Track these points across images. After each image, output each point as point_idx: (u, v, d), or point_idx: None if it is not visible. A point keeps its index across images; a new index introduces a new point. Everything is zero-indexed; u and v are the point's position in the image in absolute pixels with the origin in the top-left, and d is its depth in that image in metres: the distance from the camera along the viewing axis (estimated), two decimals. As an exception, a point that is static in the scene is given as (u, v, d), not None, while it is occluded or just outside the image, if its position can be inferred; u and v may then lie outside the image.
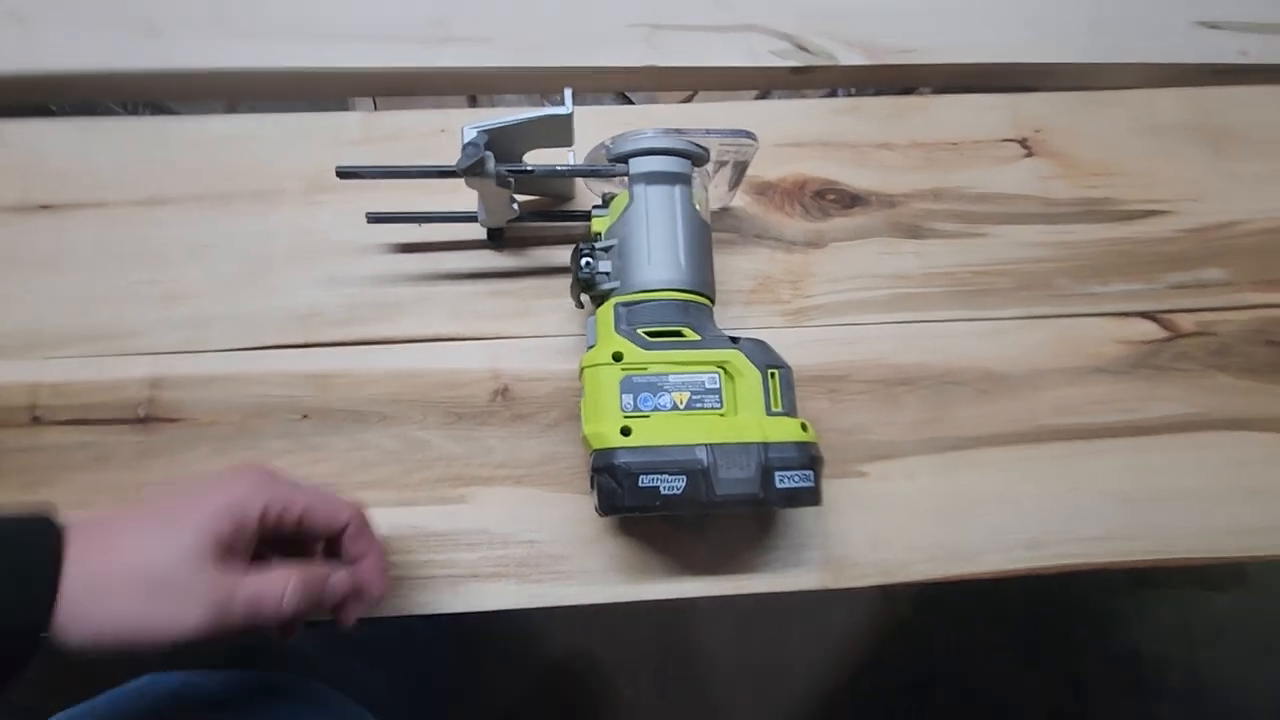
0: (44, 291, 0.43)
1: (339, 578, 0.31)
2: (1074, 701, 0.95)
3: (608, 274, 0.38)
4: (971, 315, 0.45)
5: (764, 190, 0.47)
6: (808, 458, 0.34)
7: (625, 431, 0.34)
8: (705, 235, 0.39)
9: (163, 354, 0.42)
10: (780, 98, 0.57)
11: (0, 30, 0.47)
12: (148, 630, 0.27)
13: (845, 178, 0.47)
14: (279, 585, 0.29)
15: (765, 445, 0.34)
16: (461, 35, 0.48)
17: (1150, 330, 0.46)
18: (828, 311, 0.45)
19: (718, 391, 0.35)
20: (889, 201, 0.47)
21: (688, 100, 0.66)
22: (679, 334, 0.36)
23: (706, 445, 0.33)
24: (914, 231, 0.47)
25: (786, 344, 0.44)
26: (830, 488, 0.41)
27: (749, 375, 0.35)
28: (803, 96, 0.55)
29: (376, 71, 0.48)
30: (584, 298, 0.40)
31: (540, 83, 0.49)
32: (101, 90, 0.47)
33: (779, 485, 0.33)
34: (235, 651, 0.42)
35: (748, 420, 0.35)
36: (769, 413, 0.35)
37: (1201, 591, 0.63)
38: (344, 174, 0.38)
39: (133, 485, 0.40)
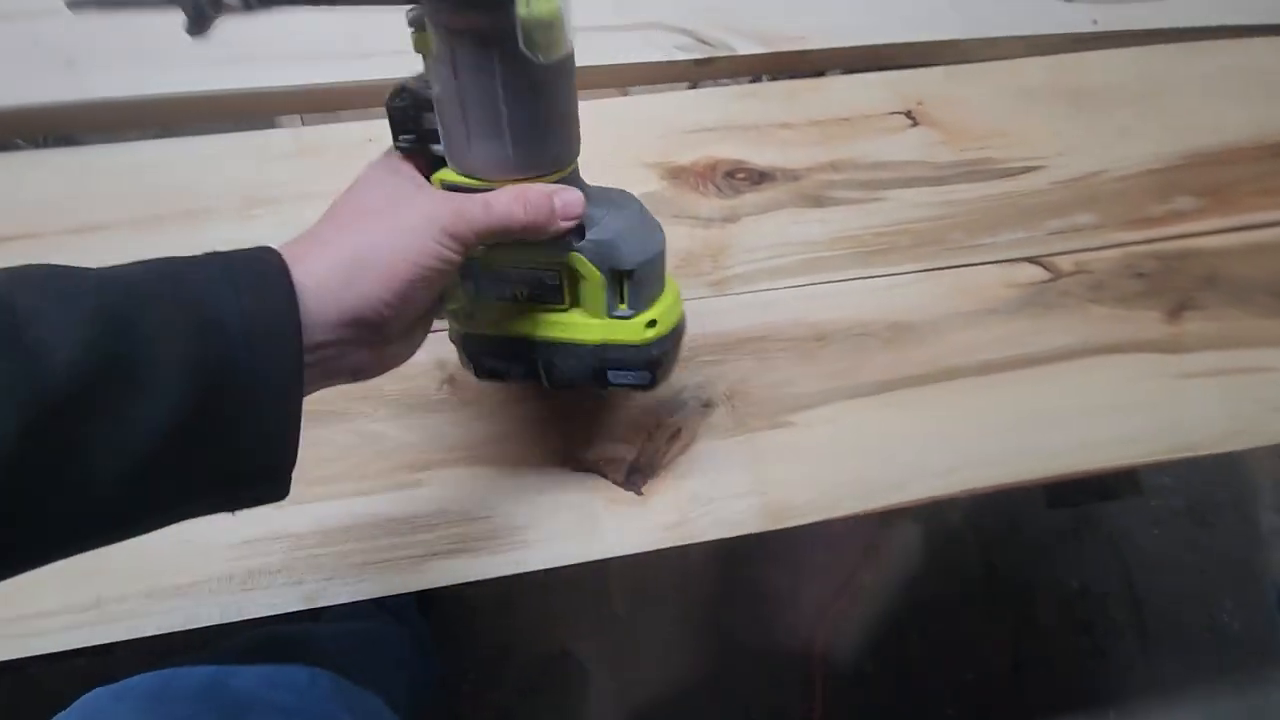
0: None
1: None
2: (1035, 647, 1.01)
3: (434, 132, 0.31)
4: (876, 273, 0.50)
5: (679, 174, 0.51)
6: (644, 360, 0.35)
7: (469, 315, 0.36)
8: (550, 98, 0.30)
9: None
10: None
11: (-87, 74, 0.47)
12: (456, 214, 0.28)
13: (752, 157, 0.51)
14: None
15: (603, 346, 0.35)
16: (377, 49, 0.50)
17: (1035, 273, 0.51)
18: (747, 280, 0.49)
19: (558, 288, 0.35)
20: (793, 175, 0.51)
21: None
22: None
23: (544, 341, 0.35)
24: (818, 201, 0.51)
25: (713, 311, 0.48)
26: (762, 438, 0.45)
27: (590, 277, 0.34)
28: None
29: (299, 90, 0.50)
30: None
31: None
32: (14, 126, 0.48)
33: (613, 381, 0.36)
34: (258, 641, 0.43)
35: (588, 320, 0.35)
36: (611, 314, 0.35)
37: (1102, 503, 0.70)
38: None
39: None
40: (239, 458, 0.24)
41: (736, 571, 1.00)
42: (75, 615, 0.39)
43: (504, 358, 0.36)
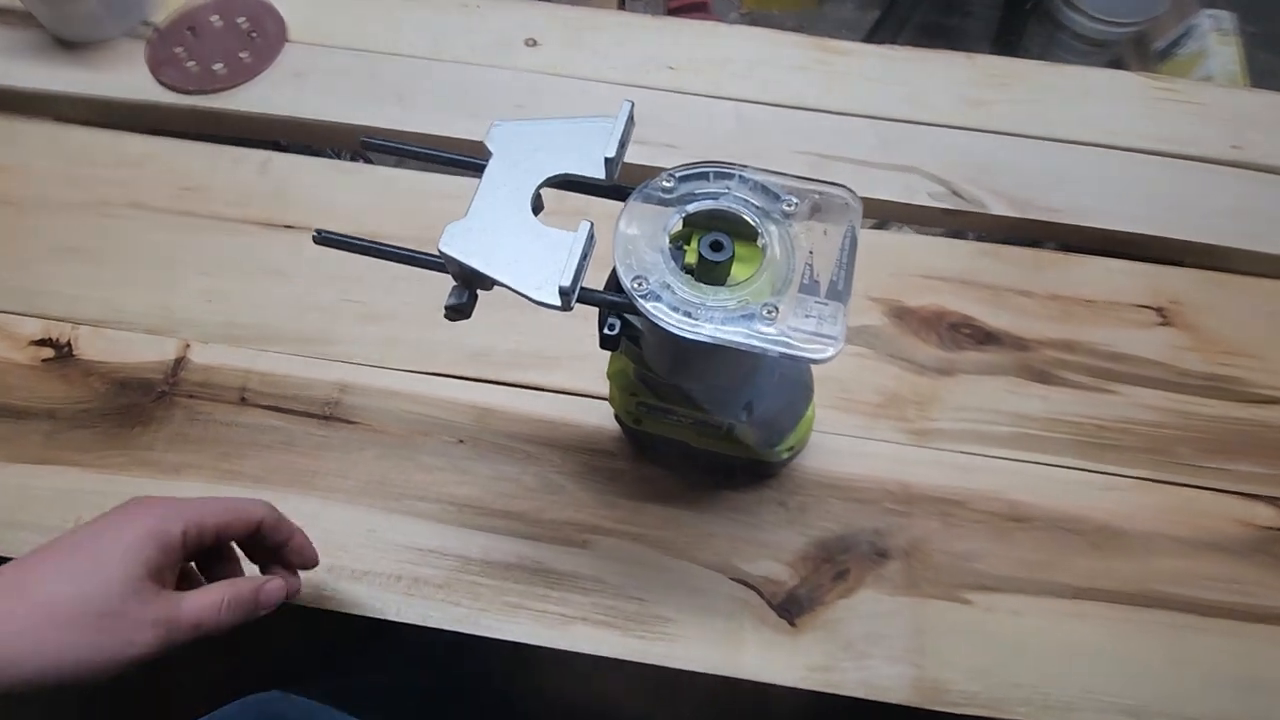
0: (273, 295, 0.50)
1: (271, 586, 0.34)
2: None
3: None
4: (1092, 467, 0.47)
5: (903, 315, 0.50)
6: (780, 466, 0.45)
7: (637, 420, 0.41)
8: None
9: (354, 364, 0.48)
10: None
11: (281, 83, 0.57)
12: (101, 659, 0.28)
13: (982, 315, 0.51)
14: (216, 600, 0.31)
15: (751, 460, 0.42)
16: (651, 141, 0.55)
17: (1274, 517, 0.46)
18: (950, 437, 0.47)
19: (719, 427, 0.39)
20: (1021, 344, 0.50)
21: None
22: None
23: (703, 449, 0.41)
24: (1043, 377, 0.49)
25: (907, 460, 0.46)
26: (933, 607, 0.43)
27: (747, 436, 0.39)
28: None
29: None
30: None
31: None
32: (350, 138, 0.56)
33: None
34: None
35: (741, 442, 0.40)
36: (761, 447, 0.41)
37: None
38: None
39: (308, 471, 0.45)
40: None
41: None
42: (266, 569, 0.43)
43: (664, 449, 0.43)
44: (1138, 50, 1.18)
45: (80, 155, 0.55)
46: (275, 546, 0.36)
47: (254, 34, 0.58)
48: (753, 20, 1.47)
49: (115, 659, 0.28)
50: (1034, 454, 0.47)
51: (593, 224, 0.28)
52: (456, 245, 0.29)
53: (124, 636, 0.28)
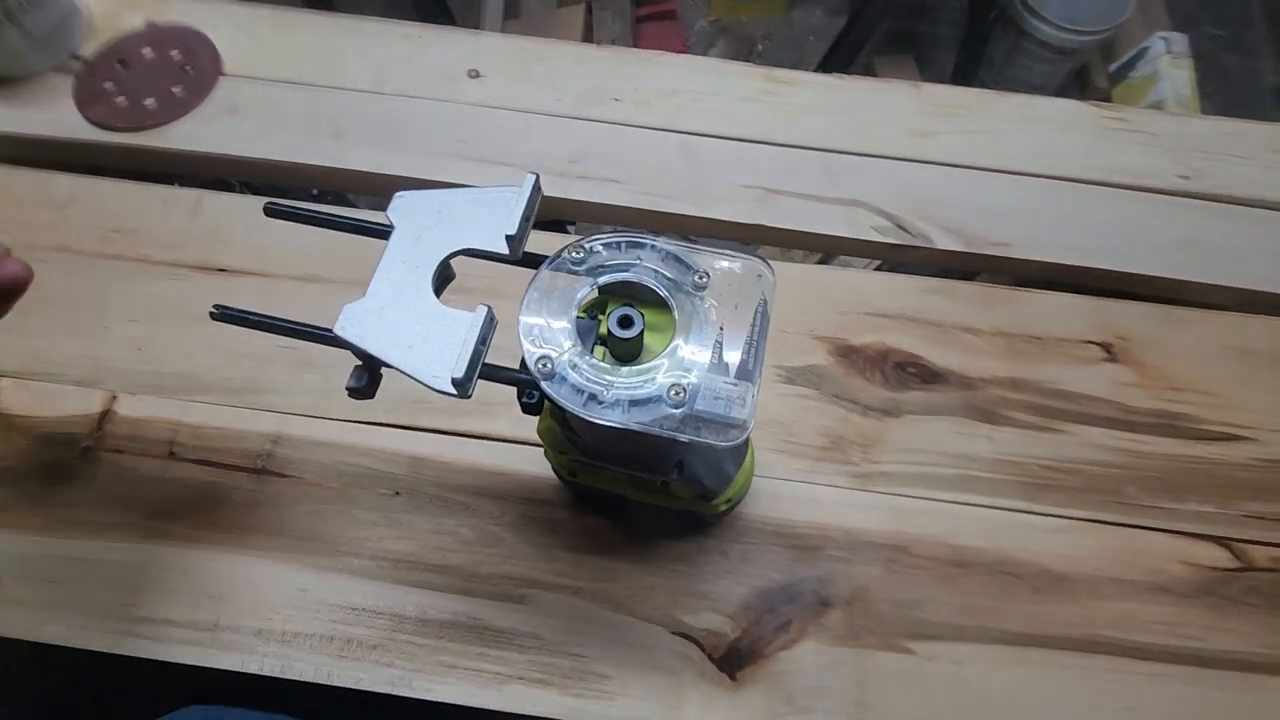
0: (203, 343, 0.49)
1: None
2: None
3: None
4: (1036, 509, 0.46)
5: (848, 354, 0.50)
6: (718, 518, 0.44)
7: (572, 473, 0.40)
8: None
9: (288, 414, 0.47)
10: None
11: (215, 118, 0.55)
12: None
13: (928, 354, 0.50)
14: None
15: (688, 511, 0.42)
16: (595, 175, 0.54)
17: (1221, 557, 0.46)
18: (894, 480, 0.47)
19: (654, 483, 0.38)
20: (967, 383, 0.49)
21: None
22: None
23: (638, 501, 0.41)
24: (989, 416, 0.49)
25: (850, 505, 0.46)
26: (875, 658, 0.42)
27: (682, 493, 0.39)
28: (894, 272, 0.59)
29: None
30: None
31: (657, 222, 0.55)
32: (287, 175, 0.55)
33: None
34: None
35: (676, 495, 0.39)
36: (696, 499, 0.40)
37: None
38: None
39: (237, 529, 0.44)
40: None
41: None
42: (194, 632, 0.42)
43: (601, 501, 0.43)
44: (1102, 58, 1.18)
45: (3, 196, 0.53)
46: None
47: (187, 66, 0.56)
48: (722, 27, 1.46)
49: None
50: (979, 496, 0.46)
51: (490, 307, 0.27)
52: (352, 328, 0.28)
53: None
